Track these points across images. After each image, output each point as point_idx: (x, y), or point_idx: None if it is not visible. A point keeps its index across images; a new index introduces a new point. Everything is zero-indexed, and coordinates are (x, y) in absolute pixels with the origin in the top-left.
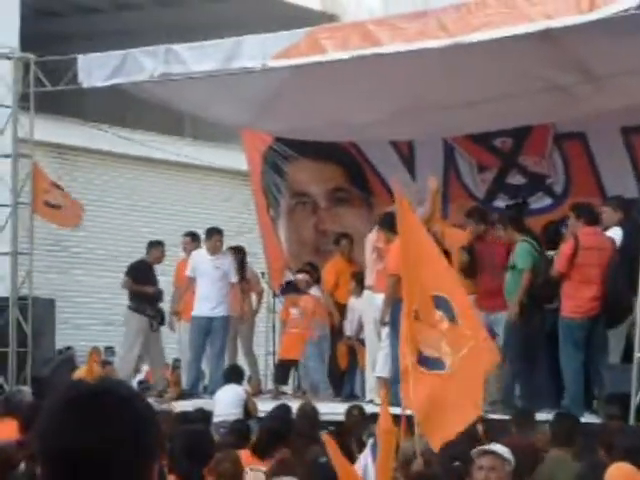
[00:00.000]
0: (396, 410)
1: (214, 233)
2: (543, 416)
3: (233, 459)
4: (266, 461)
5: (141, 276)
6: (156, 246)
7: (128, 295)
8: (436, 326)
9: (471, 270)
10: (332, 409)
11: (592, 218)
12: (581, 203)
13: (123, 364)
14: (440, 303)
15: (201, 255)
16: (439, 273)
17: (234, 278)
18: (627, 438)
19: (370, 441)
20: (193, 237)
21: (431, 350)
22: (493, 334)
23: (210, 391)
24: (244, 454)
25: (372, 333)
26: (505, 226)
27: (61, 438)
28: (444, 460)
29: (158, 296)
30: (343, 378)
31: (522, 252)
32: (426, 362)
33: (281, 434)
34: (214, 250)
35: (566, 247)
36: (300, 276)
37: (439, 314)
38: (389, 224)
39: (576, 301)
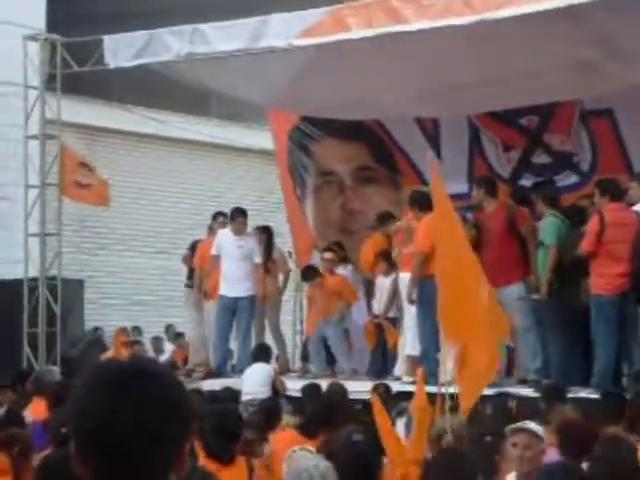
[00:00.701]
0: (429, 388)
1: (238, 214)
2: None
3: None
4: (313, 441)
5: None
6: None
7: (186, 273)
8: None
9: (478, 245)
10: (360, 387)
11: (617, 193)
12: (605, 179)
13: (196, 343)
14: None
15: (226, 235)
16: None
17: (258, 259)
18: None
19: (403, 419)
20: (225, 217)
21: None
22: None
23: (238, 370)
24: (291, 434)
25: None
26: (535, 201)
27: (94, 418)
28: (475, 436)
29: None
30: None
31: (549, 227)
32: None
33: (329, 415)
34: (238, 231)
35: (592, 224)
36: (327, 255)
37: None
38: (418, 202)
39: (605, 278)
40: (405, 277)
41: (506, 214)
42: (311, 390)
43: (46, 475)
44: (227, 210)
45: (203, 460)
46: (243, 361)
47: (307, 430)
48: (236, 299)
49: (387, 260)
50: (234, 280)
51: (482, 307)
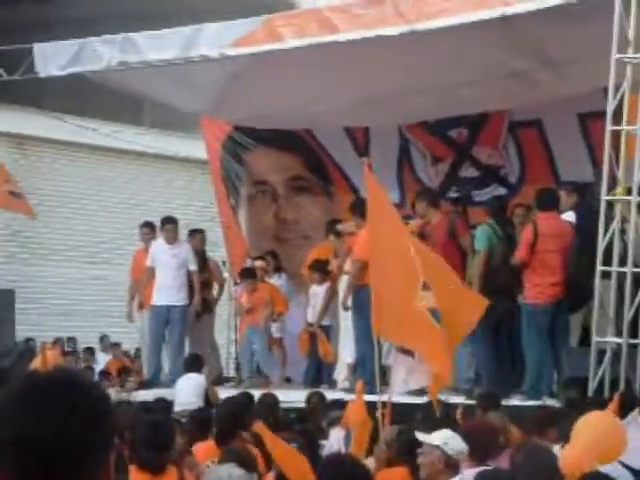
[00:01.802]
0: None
1: (167, 222)
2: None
3: None
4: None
5: None
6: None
7: None
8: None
9: None
10: (294, 396)
11: (549, 203)
12: (540, 188)
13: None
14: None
15: (159, 245)
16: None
17: (193, 266)
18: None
19: (337, 429)
20: (151, 227)
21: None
22: None
23: (170, 380)
24: (206, 446)
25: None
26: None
27: (16, 426)
28: (401, 445)
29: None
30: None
31: (480, 235)
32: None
33: (240, 419)
34: (169, 239)
35: (526, 234)
36: (258, 263)
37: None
38: (360, 209)
39: (539, 287)
40: None
41: (447, 225)
42: (238, 397)
43: None
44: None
45: (134, 471)
46: (175, 371)
47: (220, 438)
48: (169, 308)
49: (320, 270)
50: (168, 289)
51: (416, 310)
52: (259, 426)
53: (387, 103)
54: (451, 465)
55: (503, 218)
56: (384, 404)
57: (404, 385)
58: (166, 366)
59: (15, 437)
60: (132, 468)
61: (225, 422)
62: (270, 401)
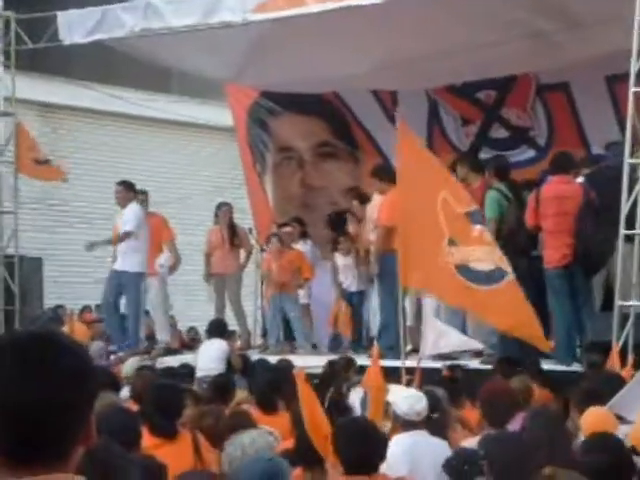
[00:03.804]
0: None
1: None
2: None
3: (216, 415)
4: (272, 416)
5: None
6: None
7: None
8: (479, 241)
9: None
10: (318, 362)
11: (557, 166)
12: (557, 151)
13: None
14: (474, 217)
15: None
16: (461, 190)
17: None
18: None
19: (357, 391)
20: (144, 194)
21: (486, 263)
22: None
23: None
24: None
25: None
26: (489, 173)
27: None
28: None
29: None
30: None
31: (489, 201)
32: (487, 279)
33: (277, 386)
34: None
35: (529, 199)
36: (286, 229)
37: (477, 228)
38: (381, 174)
39: (549, 250)
40: None
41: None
42: (261, 365)
43: None
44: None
45: (146, 436)
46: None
47: (261, 406)
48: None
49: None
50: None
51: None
52: (300, 375)
53: (414, 66)
54: (400, 424)
55: (510, 178)
56: (407, 370)
57: (434, 348)
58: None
59: (10, 401)
60: (144, 433)
61: (264, 390)
62: (286, 366)
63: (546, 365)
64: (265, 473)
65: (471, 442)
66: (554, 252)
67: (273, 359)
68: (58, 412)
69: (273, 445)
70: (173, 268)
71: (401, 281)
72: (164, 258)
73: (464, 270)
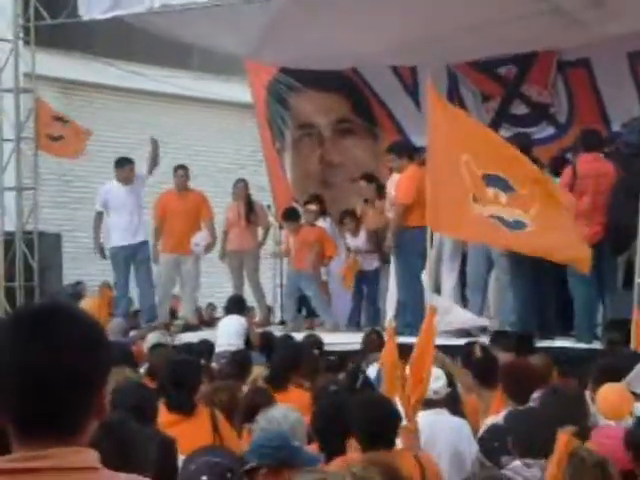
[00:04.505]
0: (406, 339)
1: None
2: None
3: (231, 390)
4: (282, 393)
5: None
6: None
7: None
8: (495, 202)
9: None
10: (337, 339)
11: (590, 144)
12: (585, 128)
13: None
14: (490, 181)
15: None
16: (484, 151)
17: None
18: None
19: (374, 367)
20: (184, 170)
21: (508, 215)
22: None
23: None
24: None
25: None
26: None
27: (8, 355)
28: None
29: None
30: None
31: None
32: (510, 225)
33: (294, 363)
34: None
35: (564, 176)
36: (310, 206)
37: (492, 190)
38: (399, 150)
39: (581, 228)
40: None
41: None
42: (287, 342)
43: None
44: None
45: (163, 412)
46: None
47: (273, 382)
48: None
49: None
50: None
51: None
52: (389, 330)
53: (434, 41)
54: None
55: (532, 155)
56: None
57: (440, 324)
58: None
59: (9, 368)
60: (162, 409)
61: (278, 367)
62: (314, 342)
63: (566, 343)
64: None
65: (497, 418)
66: (586, 230)
67: (299, 336)
68: (69, 381)
69: (304, 421)
70: (209, 247)
71: (431, 227)
72: (200, 237)
73: (493, 217)
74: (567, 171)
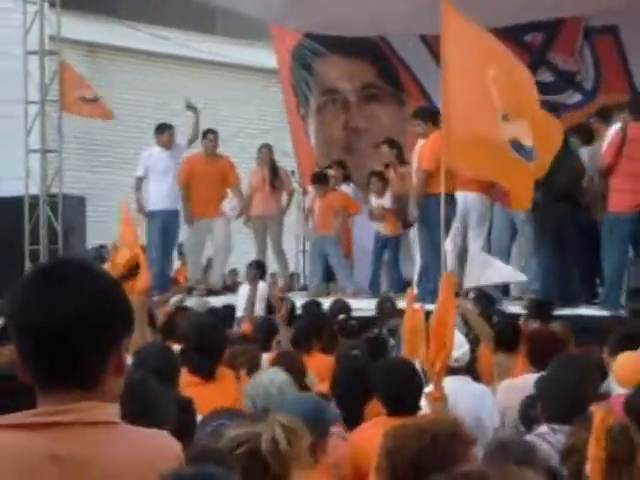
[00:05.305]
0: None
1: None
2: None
3: (250, 355)
4: (308, 356)
5: None
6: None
7: None
8: (532, 109)
9: None
10: (358, 304)
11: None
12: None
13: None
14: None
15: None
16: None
17: None
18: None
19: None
20: (214, 134)
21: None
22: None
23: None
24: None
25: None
26: None
27: (31, 313)
28: None
29: None
30: None
31: None
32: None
33: (315, 329)
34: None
35: (615, 138)
36: (332, 171)
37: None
38: (423, 115)
39: (621, 194)
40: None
41: None
42: (310, 307)
43: None
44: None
45: (186, 374)
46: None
47: (297, 347)
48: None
49: (383, 180)
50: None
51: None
52: (410, 295)
53: (462, 9)
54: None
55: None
56: None
57: (481, 279)
58: None
59: (26, 324)
60: (184, 372)
61: (303, 331)
62: (341, 307)
63: (590, 311)
64: (313, 409)
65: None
66: (629, 196)
67: (326, 301)
68: (81, 331)
69: (290, 382)
70: (239, 214)
71: (446, 163)
72: (234, 201)
73: (517, 146)
74: (618, 133)
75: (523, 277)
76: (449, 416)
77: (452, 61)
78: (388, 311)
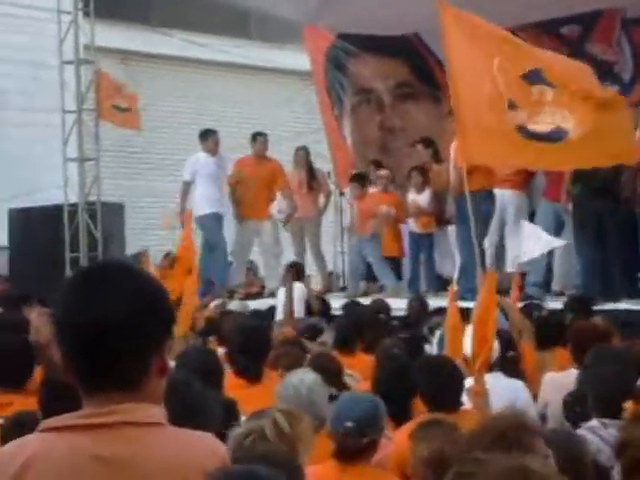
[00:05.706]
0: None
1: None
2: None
3: (294, 357)
4: (351, 357)
5: None
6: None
7: None
8: (540, 101)
9: None
10: (399, 304)
11: None
12: None
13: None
14: (533, 78)
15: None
16: (519, 52)
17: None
18: None
19: (437, 334)
20: (263, 137)
21: (543, 125)
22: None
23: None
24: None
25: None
26: None
27: (77, 312)
28: None
29: None
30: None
31: None
32: (547, 139)
33: (356, 330)
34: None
35: None
36: (383, 172)
37: (537, 88)
38: None
39: None
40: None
41: None
42: (350, 308)
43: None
44: (268, 132)
45: (231, 376)
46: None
47: (340, 347)
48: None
49: (424, 175)
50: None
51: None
52: (451, 292)
53: (497, 3)
54: None
55: None
56: None
57: (517, 258)
58: None
59: (68, 326)
60: (229, 375)
61: (344, 332)
62: (381, 307)
63: (633, 306)
64: (368, 412)
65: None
66: None
67: (366, 301)
68: (121, 332)
69: (320, 381)
70: (288, 217)
71: (464, 159)
72: (283, 205)
73: (524, 131)
74: None
75: (561, 242)
76: (511, 410)
77: (455, 58)
78: (416, 311)
